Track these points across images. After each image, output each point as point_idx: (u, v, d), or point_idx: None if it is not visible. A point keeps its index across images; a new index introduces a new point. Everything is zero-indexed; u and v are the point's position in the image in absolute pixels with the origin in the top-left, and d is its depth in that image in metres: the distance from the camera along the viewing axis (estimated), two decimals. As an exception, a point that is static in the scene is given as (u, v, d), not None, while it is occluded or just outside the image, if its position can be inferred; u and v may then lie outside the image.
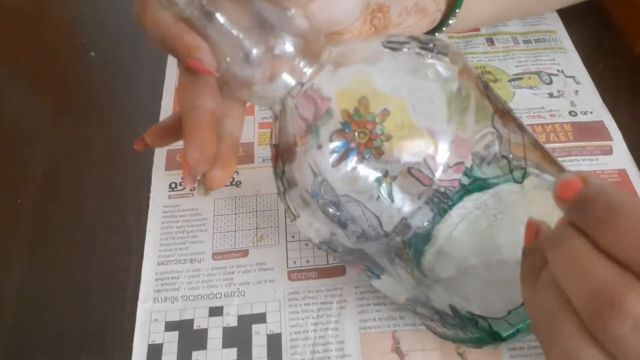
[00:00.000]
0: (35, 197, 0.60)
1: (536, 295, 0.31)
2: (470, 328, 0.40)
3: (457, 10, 0.53)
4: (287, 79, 0.37)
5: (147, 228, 0.57)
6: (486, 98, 0.38)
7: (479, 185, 0.37)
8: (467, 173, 0.36)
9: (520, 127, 0.40)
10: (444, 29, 0.55)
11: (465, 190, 0.37)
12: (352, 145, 0.35)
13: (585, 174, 0.29)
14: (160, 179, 0.60)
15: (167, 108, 0.66)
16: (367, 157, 0.35)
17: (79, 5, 0.83)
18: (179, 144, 0.61)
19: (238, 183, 0.60)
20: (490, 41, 0.73)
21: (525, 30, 0.74)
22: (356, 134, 0.34)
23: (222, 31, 0.34)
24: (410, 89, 0.36)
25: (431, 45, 0.37)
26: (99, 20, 0.80)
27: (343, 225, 0.37)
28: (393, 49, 0.37)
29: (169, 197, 0.59)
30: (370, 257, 0.39)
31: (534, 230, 0.33)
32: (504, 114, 0.39)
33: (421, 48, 0.36)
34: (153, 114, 0.66)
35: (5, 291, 0.54)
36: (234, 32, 0.35)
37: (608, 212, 0.27)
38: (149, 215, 0.58)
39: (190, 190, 0.59)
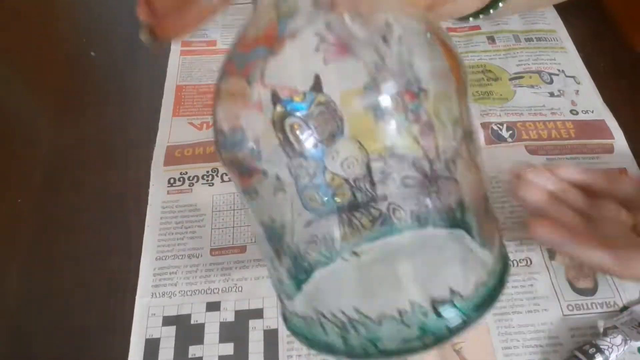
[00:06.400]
0: (35, 197, 0.60)
1: None
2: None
3: None
4: None
5: (146, 224, 0.57)
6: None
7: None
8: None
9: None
10: (491, 11, 0.54)
11: None
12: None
13: None
14: (159, 174, 0.60)
15: (167, 107, 0.67)
16: None
17: (79, 5, 0.83)
18: (179, 141, 0.62)
19: (237, 179, 0.60)
20: (492, 39, 0.73)
21: (527, 28, 0.74)
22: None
23: None
24: None
25: None
26: (99, 20, 0.80)
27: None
28: None
29: (168, 192, 0.59)
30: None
31: None
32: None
33: None
34: (153, 113, 0.66)
35: (6, 290, 0.54)
36: None
37: None
38: (148, 210, 0.58)
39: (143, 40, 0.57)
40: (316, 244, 0.37)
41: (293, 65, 0.35)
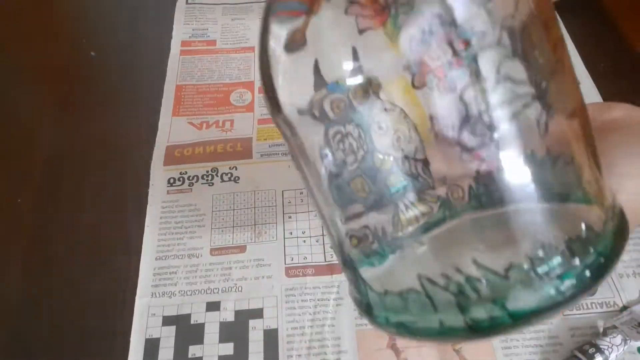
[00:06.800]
0: (35, 197, 0.60)
1: None
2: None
3: None
4: None
5: (146, 223, 0.57)
6: None
7: None
8: None
9: None
10: None
11: None
12: None
13: None
14: (159, 174, 0.60)
15: (167, 107, 0.67)
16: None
17: (79, 6, 0.83)
18: (179, 141, 0.62)
19: (236, 179, 0.60)
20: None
21: (526, 29, 0.73)
22: None
23: None
24: None
25: None
26: (99, 20, 0.80)
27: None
28: None
29: (168, 192, 0.59)
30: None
31: None
32: None
33: None
34: (153, 114, 0.66)
35: (5, 290, 0.54)
36: None
37: None
38: (148, 210, 0.58)
39: None
40: (367, 237, 0.32)
41: (330, 32, 0.31)
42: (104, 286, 0.54)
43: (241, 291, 0.53)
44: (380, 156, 0.31)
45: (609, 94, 0.66)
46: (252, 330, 0.50)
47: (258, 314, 0.51)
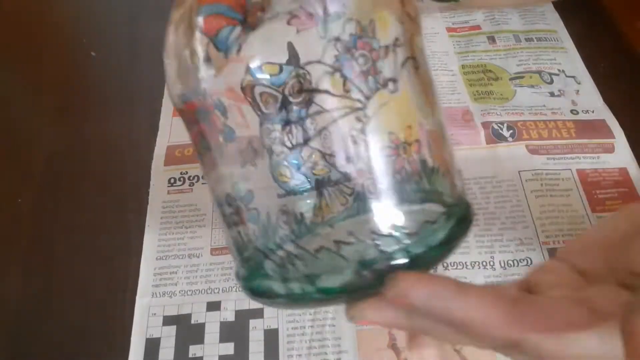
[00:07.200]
0: (35, 197, 0.60)
1: None
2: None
3: None
4: None
5: (146, 223, 0.57)
6: None
7: None
8: None
9: None
10: None
11: None
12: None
13: None
14: (160, 174, 0.60)
15: (167, 107, 0.67)
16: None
17: (79, 6, 0.83)
18: (179, 141, 0.62)
19: (237, 179, 0.60)
20: (492, 39, 0.73)
21: (527, 28, 0.74)
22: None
23: None
24: None
25: None
26: (99, 20, 0.80)
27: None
28: None
29: (168, 192, 0.59)
30: None
31: None
32: None
33: None
34: (153, 113, 0.66)
35: (5, 290, 0.54)
36: None
37: None
38: (148, 210, 0.58)
39: None
40: (287, 215, 0.35)
41: (271, 40, 0.33)
42: (104, 286, 0.54)
43: (241, 291, 0.52)
44: (307, 151, 0.33)
45: (609, 93, 0.66)
46: (253, 330, 0.50)
47: (258, 313, 0.51)
